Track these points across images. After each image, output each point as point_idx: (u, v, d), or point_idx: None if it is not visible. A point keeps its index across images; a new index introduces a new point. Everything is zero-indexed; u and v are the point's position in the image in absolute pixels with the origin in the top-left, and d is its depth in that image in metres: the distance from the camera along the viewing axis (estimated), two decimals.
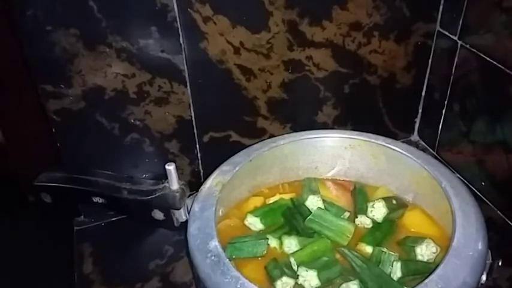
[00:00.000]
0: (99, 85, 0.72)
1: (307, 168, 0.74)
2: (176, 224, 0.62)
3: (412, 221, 0.67)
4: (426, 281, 0.48)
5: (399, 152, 0.69)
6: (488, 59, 0.76)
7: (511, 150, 0.76)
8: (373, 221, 0.67)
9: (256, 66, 0.79)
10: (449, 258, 0.51)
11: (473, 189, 0.85)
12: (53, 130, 0.73)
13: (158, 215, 0.61)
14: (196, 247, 0.54)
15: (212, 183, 0.63)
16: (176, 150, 0.82)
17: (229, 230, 0.65)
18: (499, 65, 0.74)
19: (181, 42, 0.73)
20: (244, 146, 0.84)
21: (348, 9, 0.78)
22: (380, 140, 0.71)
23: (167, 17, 0.70)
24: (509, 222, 0.79)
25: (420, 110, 0.96)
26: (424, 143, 0.98)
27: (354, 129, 0.92)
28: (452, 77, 0.85)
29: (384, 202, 0.67)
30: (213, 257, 0.52)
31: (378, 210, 0.66)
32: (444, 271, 0.49)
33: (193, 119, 0.80)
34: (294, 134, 0.73)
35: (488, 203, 0.82)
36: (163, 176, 0.83)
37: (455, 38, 0.82)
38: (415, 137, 0.99)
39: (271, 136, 0.86)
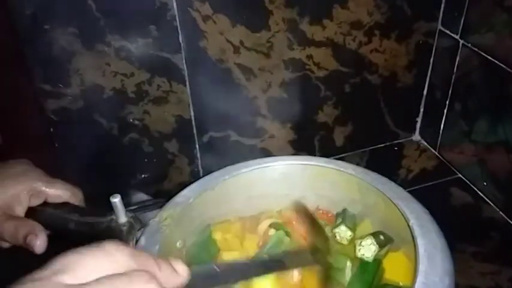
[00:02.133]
0: (97, 84, 0.72)
1: (276, 197, 0.68)
2: None
3: (392, 266, 0.60)
4: None
5: (370, 184, 0.63)
6: (490, 58, 0.75)
7: None
8: (362, 260, 0.60)
9: (256, 66, 0.78)
10: None
11: (475, 189, 0.85)
12: (51, 130, 0.73)
13: None
14: None
15: (162, 216, 0.59)
16: (175, 150, 0.82)
17: None
18: (501, 64, 0.73)
19: (181, 41, 0.72)
20: (244, 146, 0.84)
21: (348, 8, 0.78)
22: (350, 169, 0.65)
23: (166, 15, 0.70)
24: (511, 223, 0.78)
25: (422, 110, 0.96)
26: (425, 143, 0.97)
27: (355, 129, 0.92)
28: (454, 76, 0.85)
29: (373, 239, 0.60)
30: None
31: (367, 248, 0.59)
32: None
33: (192, 118, 0.80)
34: (258, 160, 0.68)
35: (490, 203, 0.82)
36: (164, 177, 0.84)
37: (457, 36, 0.82)
38: (416, 136, 0.99)
39: (271, 136, 0.86)
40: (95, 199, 0.59)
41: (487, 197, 0.83)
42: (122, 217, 0.55)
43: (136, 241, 0.56)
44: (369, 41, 0.82)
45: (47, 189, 0.55)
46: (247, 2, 0.73)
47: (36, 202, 0.55)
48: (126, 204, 0.83)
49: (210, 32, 0.73)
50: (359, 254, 0.60)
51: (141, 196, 0.84)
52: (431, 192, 0.86)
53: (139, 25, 0.70)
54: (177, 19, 0.70)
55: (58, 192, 0.55)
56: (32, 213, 0.54)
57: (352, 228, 0.63)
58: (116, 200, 0.53)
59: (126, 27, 0.69)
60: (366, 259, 0.59)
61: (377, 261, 0.59)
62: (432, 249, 0.52)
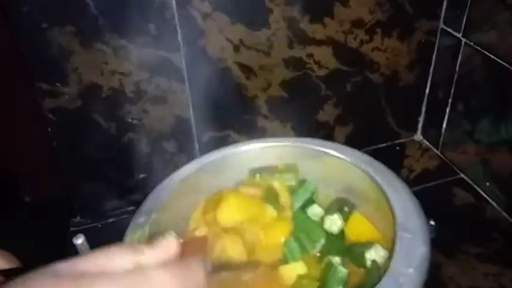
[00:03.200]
0: (95, 83, 0.71)
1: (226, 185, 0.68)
2: None
3: (354, 228, 0.64)
4: (392, 264, 0.48)
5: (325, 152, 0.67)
6: (492, 56, 0.75)
7: None
8: (328, 233, 0.64)
9: (256, 64, 0.78)
10: (399, 237, 0.51)
11: (478, 189, 0.84)
12: (49, 129, 0.72)
13: None
14: None
15: (133, 241, 0.56)
16: (174, 150, 0.81)
17: None
18: (504, 63, 0.73)
19: (180, 39, 0.72)
20: None
21: (349, 5, 0.77)
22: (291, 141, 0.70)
23: (165, 14, 0.69)
24: None
25: (424, 109, 0.95)
26: (427, 143, 0.97)
27: (356, 128, 0.91)
28: (456, 75, 0.84)
29: (340, 214, 0.64)
30: None
31: (334, 223, 0.64)
32: (401, 249, 0.49)
33: (192, 118, 0.79)
34: (199, 159, 0.68)
35: (493, 203, 0.81)
36: (163, 177, 0.83)
37: (459, 35, 0.81)
38: (418, 136, 0.98)
39: (272, 136, 0.85)
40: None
41: (489, 197, 0.82)
42: None
43: None
44: (370, 40, 0.82)
45: None
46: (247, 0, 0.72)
47: None
48: (125, 204, 0.84)
49: (209, 31, 0.72)
50: (326, 226, 0.64)
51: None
52: (434, 192, 0.85)
53: (138, 24, 0.69)
54: (176, 17, 0.70)
55: None
56: None
57: (321, 205, 0.67)
58: (80, 241, 0.45)
59: (125, 26, 0.69)
60: (332, 232, 0.63)
61: (341, 231, 0.64)
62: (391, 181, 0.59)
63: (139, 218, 0.60)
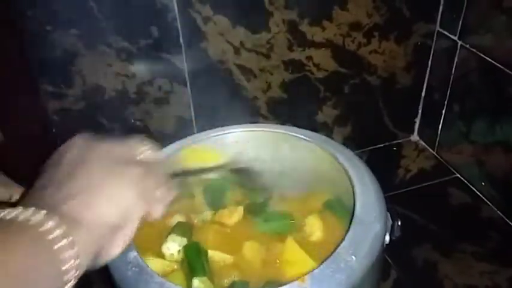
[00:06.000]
0: (99, 85, 0.72)
1: None
2: None
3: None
4: (338, 249, 0.49)
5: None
6: (488, 59, 0.76)
7: (511, 150, 0.76)
8: None
9: (256, 66, 0.79)
10: (354, 226, 0.52)
11: (474, 189, 0.85)
12: (53, 130, 0.73)
13: None
14: (114, 261, 0.47)
15: None
16: None
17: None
18: (499, 65, 0.74)
19: (181, 42, 0.73)
20: None
21: (348, 9, 0.78)
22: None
23: (167, 17, 0.70)
24: (510, 223, 0.79)
25: (420, 110, 0.96)
26: (424, 143, 0.98)
27: (354, 129, 0.92)
28: (452, 77, 0.85)
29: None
30: (134, 268, 0.49)
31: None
32: (352, 238, 0.50)
33: (193, 119, 0.80)
34: (178, 142, 0.68)
35: (489, 203, 0.82)
36: None
37: (455, 38, 0.82)
38: (415, 137, 0.99)
39: None
40: None
41: (485, 197, 0.83)
42: None
43: None
44: (368, 42, 0.83)
45: None
46: (248, 3, 0.73)
47: None
48: None
49: (210, 33, 0.73)
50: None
51: None
52: (430, 192, 0.86)
53: (140, 26, 0.70)
54: (178, 20, 0.71)
55: None
56: None
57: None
58: None
59: (128, 29, 0.70)
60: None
61: None
62: (361, 175, 0.59)
63: None
